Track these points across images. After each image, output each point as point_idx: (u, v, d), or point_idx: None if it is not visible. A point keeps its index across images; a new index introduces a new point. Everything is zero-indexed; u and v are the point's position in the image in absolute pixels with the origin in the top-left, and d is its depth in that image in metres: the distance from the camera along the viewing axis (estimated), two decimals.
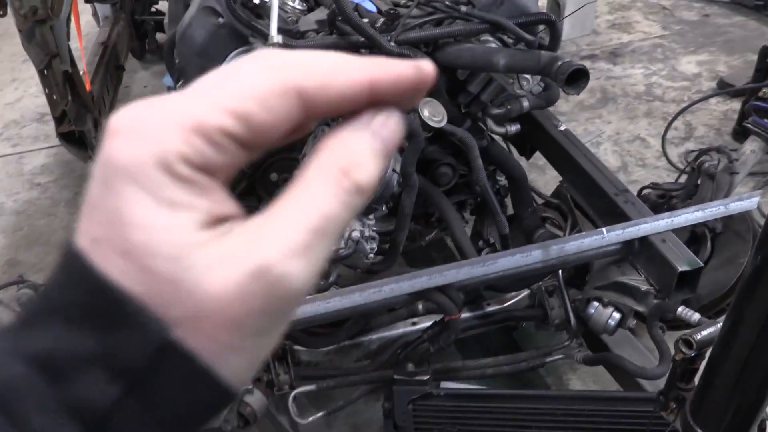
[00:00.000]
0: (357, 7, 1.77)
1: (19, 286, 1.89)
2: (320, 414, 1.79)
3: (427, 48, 1.82)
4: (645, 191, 2.30)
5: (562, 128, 2.06)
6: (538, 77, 1.86)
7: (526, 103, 1.86)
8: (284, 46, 1.64)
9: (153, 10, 4.28)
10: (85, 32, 3.91)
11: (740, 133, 3.17)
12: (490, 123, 1.93)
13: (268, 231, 0.31)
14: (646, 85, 3.91)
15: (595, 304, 1.76)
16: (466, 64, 1.80)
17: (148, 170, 0.30)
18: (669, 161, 3.20)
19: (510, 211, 2.11)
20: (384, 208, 1.79)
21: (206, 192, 0.32)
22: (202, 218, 0.31)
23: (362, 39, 1.66)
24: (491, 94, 1.86)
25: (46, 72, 2.54)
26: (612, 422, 1.57)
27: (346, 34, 1.69)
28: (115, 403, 0.30)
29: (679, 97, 3.76)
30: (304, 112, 0.33)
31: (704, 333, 1.07)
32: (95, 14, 4.10)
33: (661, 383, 1.23)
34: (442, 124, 1.77)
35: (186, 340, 0.30)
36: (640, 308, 1.69)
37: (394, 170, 1.64)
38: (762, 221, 0.77)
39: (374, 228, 1.75)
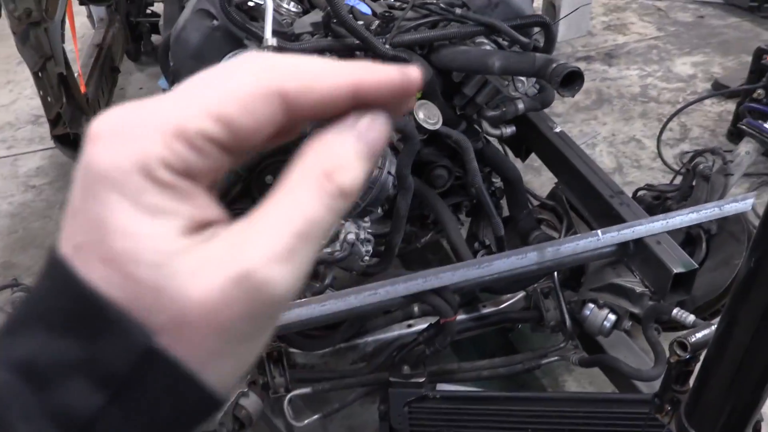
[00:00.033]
0: (352, 10, 1.77)
1: (14, 290, 1.89)
2: (316, 417, 1.78)
3: (422, 50, 1.83)
4: (640, 192, 2.31)
5: (557, 130, 2.06)
6: (533, 79, 1.87)
7: (521, 105, 1.86)
8: (279, 48, 1.64)
9: (148, 11, 4.27)
10: (80, 34, 3.91)
11: (735, 135, 3.18)
12: (486, 125, 1.93)
13: (252, 236, 0.31)
14: (641, 86, 3.92)
15: (591, 305, 1.76)
16: (461, 67, 1.81)
17: (128, 176, 0.30)
18: (664, 162, 3.21)
19: (505, 212, 2.12)
20: (379, 210, 1.79)
21: (188, 197, 0.31)
22: (185, 224, 0.31)
23: (357, 41, 1.66)
24: (486, 97, 1.86)
25: (40, 74, 2.53)
26: (607, 424, 1.58)
27: (341, 36, 1.69)
28: (98, 411, 0.30)
29: (674, 98, 3.77)
30: (287, 115, 0.33)
31: (699, 335, 1.07)
32: (90, 16, 4.09)
33: (657, 385, 1.23)
34: (437, 127, 1.77)
35: (170, 346, 0.30)
36: (636, 310, 1.70)
37: (389, 172, 1.64)
38: (757, 222, 0.77)
39: (370, 230, 1.75)
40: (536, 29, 1.87)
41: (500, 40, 1.84)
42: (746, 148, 2.80)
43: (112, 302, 0.30)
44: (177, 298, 0.30)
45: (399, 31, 1.72)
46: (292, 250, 0.31)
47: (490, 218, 1.87)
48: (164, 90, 2.08)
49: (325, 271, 1.75)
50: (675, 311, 1.56)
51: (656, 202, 2.22)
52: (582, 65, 4.05)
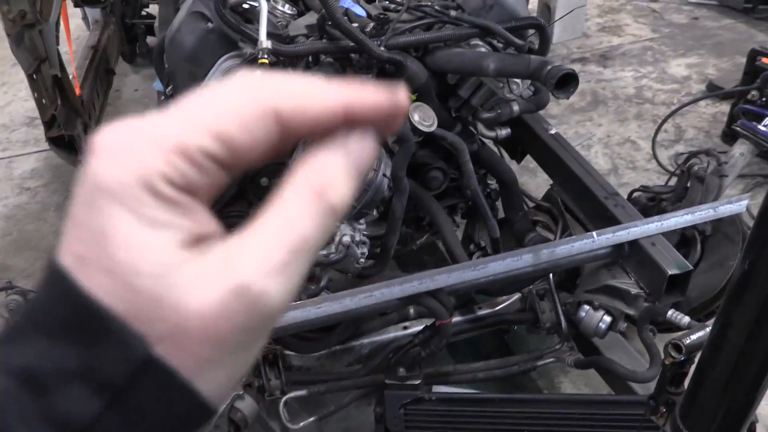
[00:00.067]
0: (346, 12, 1.77)
1: (8, 292, 1.88)
2: (311, 419, 1.78)
3: (417, 52, 1.83)
4: (635, 194, 2.31)
5: (553, 132, 2.06)
6: (528, 81, 1.87)
7: (516, 107, 1.86)
8: (274, 51, 1.64)
9: (143, 13, 4.27)
10: (75, 36, 3.90)
11: (729, 136, 3.19)
12: (481, 127, 1.93)
13: (248, 250, 0.32)
14: (636, 87, 3.93)
15: (586, 307, 1.76)
16: (456, 69, 1.81)
17: (131, 190, 0.31)
18: (659, 164, 3.21)
19: (501, 214, 2.12)
20: (375, 212, 1.79)
21: (188, 212, 0.32)
22: (184, 237, 0.32)
23: (352, 44, 1.66)
24: (481, 99, 1.86)
25: (35, 76, 2.53)
26: (603, 426, 1.58)
27: (335, 39, 1.69)
28: (96, 417, 0.30)
29: (668, 99, 3.78)
30: (281, 133, 0.34)
31: (693, 337, 1.07)
32: (85, 18, 4.08)
33: (652, 386, 1.23)
34: (432, 129, 1.77)
35: (167, 356, 0.31)
36: (631, 311, 1.70)
37: (384, 174, 1.64)
38: (751, 224, 0.77)
39: (365, 232, 1.75)
40: (531, 31, 1.87)
41: (495, 42, 1.84)
42: (740, 149, 2.81)
43: (112, 312, 0.31)
44: (176, 309, 0.31)
45: (394, 34, 1.72)
46: (287, 264, 0.32)
47: (486, 220, 1.88)
48: (159, 92, 2.08)
49: (321, 274, 1.75)
50: (670, 313, 1.56)
51: (651, 203, 2.23)
52: (577, 67, 4.06)
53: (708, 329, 0.91)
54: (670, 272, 1.56)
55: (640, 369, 1.66)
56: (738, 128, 2.82)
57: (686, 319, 1.54)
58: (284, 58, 1.71)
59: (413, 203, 1.90)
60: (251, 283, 0.31)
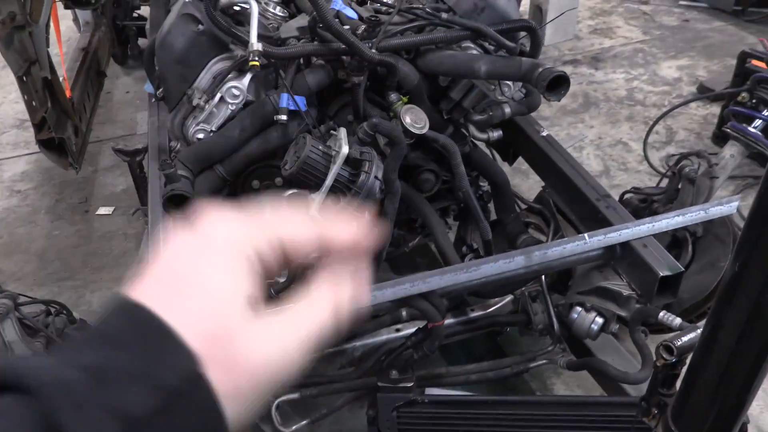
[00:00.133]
0: (338, 14, 1.77)
1: None
2: (304, 422, 1.77)
3: (409, 55, 1.83)
4: (627, 195, 2.32)
5: (544, 134, 2.06)
6: (520, 83, 1.87)
7: (507, 110, 1.86)
8: (264, 53, 1.63)
9: (135, 15, 4.25)
10: (65, 38, 3.87)
11: (720, 137, 3.20)
12: (473, 129, 1.93)
13: (290, 328, 0.45)
14: (627, 89, 3.94)
15: (578, 309, 1.76)
16: (448, 71, 1.81)
17: (243, 247, 0.45)
18: (650, 165, 3.23)
19: (493, 216, 2.12)
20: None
21: (259, 280, 0.46)
22: (251, 297, 0.44)
23: (343, 46, 1.66)
24: (473, 101, 1.86)
25: (25, 78, 2.51)
26: (595, 427, 1.58)
27: (327, 41, 1.69)
28: (149, 413, 0.38)
29: (660, 101, 3.80)
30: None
31: (685, 339, 1.07)
32: (76, 20, 4.06)
33: (644, 387, 1.23)
34: (424, 131, 1.77)
35: (214, 380, 0.40)
36: (623, 313, 1.70)
37: (376, 177, 1.64)
38: (742, 225, 0.77)
39: None
40: (523, 33, 1.88)
41: (487, 44, 1.84)
42: (731, 151, 2.83)
43: (175, 330, 0.40)
44: (240, 348, 0.42)
45: (385, 36, 1.72)
46: (309, 341, 0.46)
47: (478, 222, 1.87)
48: (150, 95, 2.06)
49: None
50: (661, 314, 1.56)
51: (643, 205, 2.23)
52: (568, 69, 4.08)
53: (699, 330, 0.91)
54: (661, 274, 1.57)
55: (632, 370, 1.67)
56: (728, 130, 2.84)
57: (678, 321, 1.54)
58: (275, 61, 1.70)
59: (405, 205, 1.90)
60: (289, 352, 0.44)
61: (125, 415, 0.37)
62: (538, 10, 4.32)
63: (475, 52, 1.83)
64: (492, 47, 1.84)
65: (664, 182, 2.35)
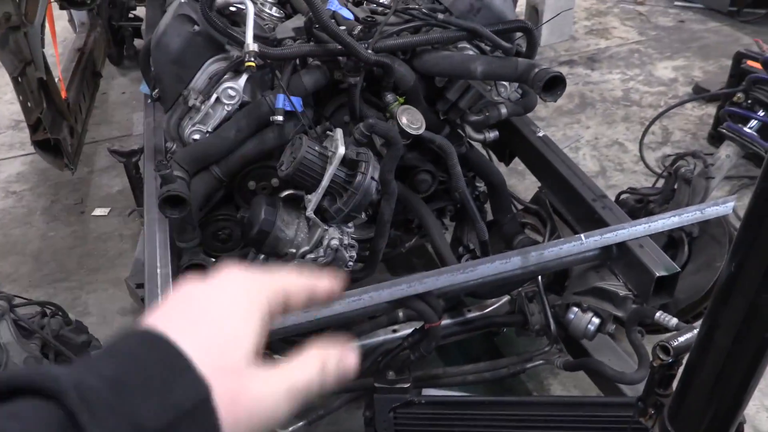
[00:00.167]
0: (334, 15, 1.77)
1: None
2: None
3: (405, 55, 1.82)
4: (623, 196, 2.32)
5: (541, 134, 2.07)
6: (516, 84, 1.87)
7: (504, 110, 1.86)
8: (260, 54, 1.63)
9: (131, 15, 4.24)
10: (61, 38, 3.87)
11: (716, 138, 3.21)
12: (469, 130, 1.93)
13: (283, 379, 0.50)
14: (623, 90, 3.95)
15: (575, 309, 1.76)
16: (444, 72, 1.81)
17: (258, 298, 0.52)
18: (647, 166, 3.23)
19: (489, 217, 2.12)
20: (363, 215, 1.79)
21: (265, 331, 0.51)
22: (257, 346, 0.50)
23: (339, 47, 1.65)
24: (469, 101, 1.86)
25: (20, 79, 2.50)
26: (592, 428, 1.58)
27: (323, 41, 1.68)
28: (162, 427, 0.41)
29: (655, 102, 3.81)
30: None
31: (681, 339, 1.07)
32: (71, 20, 4.05)
33: (641, 387, 1.23)
34: (420, 131, 1.77)
35: (220, 407, 0.44)
36: (619, 313, 1.70)
37: (372, 178, 1.63)
38: (738, 225, 0.77)
39: (354, 236, 1.75)
40: (519, 34, 1.88)
41: (483, 45, 1.84)
42: (727, 151, 2.83)
43: (191, 360, 0.44)
44: (249, 387, 0.47)
45: (381, 36, 1.72)
46: (301, 393, 0.51)
47: (474, 223, 1.87)
48: (146, 95, 2.06)
49: None
50: (658, 314, 1.57)
51: (639, 205, 2.24)
52: (565, 69, 4.08)
53: (696, 331, 0.91)
54: (657, 274, 1.57)
55: (629, 371, 1.67)
56: (724, 130, 2.85)
57: (674, 321, 1.54)
58: (271, 61, 1.70)
59: (402, 206, 1.90)
60: (281, 399, 0.49)
61: (139, 426, 0.40)
62: (534, 11, 4.33)
63: (471, 52, 1.83)
64: (488, 48, 1.84)
65: (660, 183, 2.35)
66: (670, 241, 2.00)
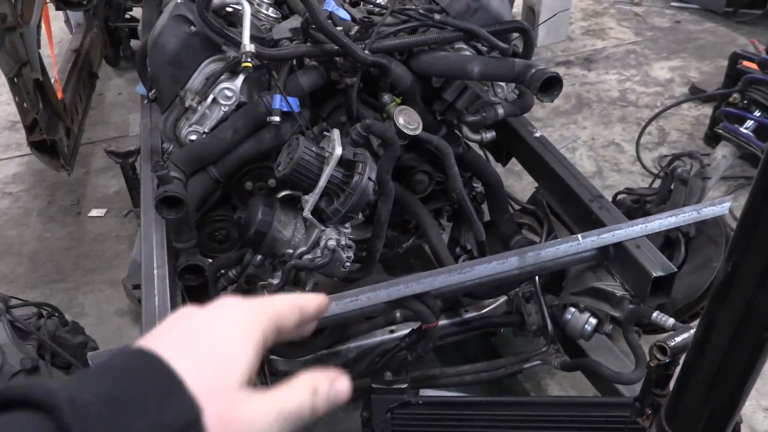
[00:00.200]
0: (331, 15, 1.77)
1: None
2: None
3: (402, 56, 1.82)
4: (620, 196, 2.32)
5: (538, 134, 2.07)
6: (513, 84, 1.87)
7: (501, 111, 1.86)
8: (257, 54, 1.63)
9: (127, 16, 4.24)
10: (57, 39, 3.86)
11: (712, 138, 3.22)
12: (466, 130, 1.94)
13: (273, 405, 0.50)
14: (620, 90, 3.96)
15: (572, 309, 1.76)
16: (441, 72, 1.81)
17: (255, 325, 0.52)
18: (643, 166, 3.24)
19: (487, 217, 2.12)
20: (360, 216, 1.79)
21: (260, 358, 0.51)
22: (250, 371, 0.50)
23: (336, 47, 1.65)
24: (466, 102, 1.86)
25: (16, 80, 2.50)
26: (589, 428, 1.58)
27: (319, 42, 1.68)
28: None
29: (652, 102, 3.82)
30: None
31: (678, 339, 1.07)
32: (68, 21, 4.05)
33: (638, 387, 1.23)
34: (417, 132, 1.77)
35: (210, 429, 0.44)
36: (616, 313, 1.71)
37: (369, 178, 1.63)
38: (734, 225, 0.77)
39: (351, 236, 1.75)
40: (515, 35, 1.88)
41: (479, 45, 1.84)
42: (723, 151, 2.84)
43: (185, 382, 0.44)
44: (238, 415, 0.47)
45: (378, 37, 1.72)
46: (290, 418, 0.50)
47: (471, 223, 1.88)
48: (142, 96, 2.06)
49: (306, 278, 1.74)
50: (655, 314, 1.57)
51: (636, 205, 2.24)
52: (561, 70, 4.09)
53: (692, 331, 0.91)
54: (654, 274, 1.57)
55: (626, 371, 1.67)
56: (720, 131, 2.85)
57: (671, 321, 1.55)
58: (268, 62, 1.70)
59: (399, 206, 1.90)
60: (271, 425, 0.49)
61: None
62: (530, 12, 4.33)
63: (468, 53, 1.83)
64: (485, 48, 1.84)
65: (657, 183, 2.36)
66: (667, 242, 2.01)
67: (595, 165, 3.35)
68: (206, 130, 1.72)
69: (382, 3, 1.94)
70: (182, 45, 1.69)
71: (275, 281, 1.68)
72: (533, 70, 1.63)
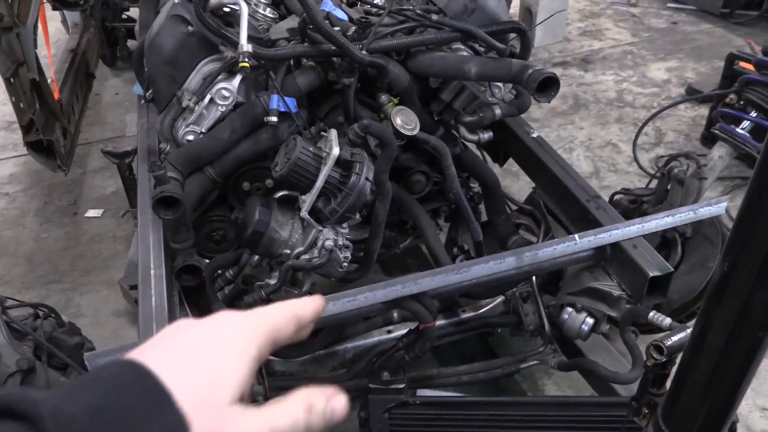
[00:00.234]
0: (328, 16, 1.77)
1: None
2: None
3: (399, 56, 1.83)
4: (617, 197, 2.33)
5: (535, 135, 2.07)
6: (510, 85, 1.88)
7: (498, 111, 1.87)
8: (254, 54, 1.63)
9: (124, 16, 4.23)
10: (54, 39, 3.86)
11: (708, 139, 3.23)
12: (463, 130, 1.94)
13: (267, 420, 0.49)
14: (617, 91, 3.96)
15: (569, 309, 1.77)
16: (438, 72, 1.81)
17: (252, 339, 0.51)
18: (640, 166, 3.24)
19: (484, 217, 2.12)
20: (358, 216, 1.79)
21: (255, 372, 0.51)
22: (244, 386, 0.49)
23: (333, 48, 1.65)
24: (463, 102, 1.87)
25: (12, 80, 2.49)
26: (586, 427, 1.58)
27: (317, 42, 1.68)
28: None
29: (649, 103, 3.82)
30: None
31: (675, 338, 1.08)
32: (64, 21, 4.04)
33: (635, 387, 1.24)
34: (414, 132, 1.77)
35: None
36: (613, 313, 1.71)
37: (367, 178, 1.63)
38: (730, 225, 0.78)
39: (348, 236, 1.75)
40: (513, 35, 1.88)
41: (477, 46, 1.85)
42: (719, 152, 2.85)
43: (175, 396, 0.43)
44: (232, 430, 0.46)
45: (376, 37, 1.72)
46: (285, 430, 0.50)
47: (469, 223, 1.88)
48: (139, 96, 2.05)
49: (304, 278, 1.74)
50: (651, 314, 1.57)
51: (632, 205, 2.24)
52: (558, 71, 4.09)
53: (689, 330, 0.91)
54: (651, 274, 1.58)
55: (623, 370, 1.67)
56: (717, 131, 2.86)
57: (668, 321, 1.55)
58: (265, 62, 1.70)
59: (396, 207, 1.90)
60: None
61: None
62: (527, 12, 4.34)
63: (465, 53, 1.83)
64: (482, 49, 1.84)
65: (654, 183, 2.36)
66: (664, 242, 2.01)
67: (592, 165, 3.36)
68: (203, 131, 1.72)
69: (380, 3, 1.94)
70: (179, 45, 1.69)
71: (272, 281, 1.68)
72: (530, 71, 1.63)
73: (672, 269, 1.60)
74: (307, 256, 1.68)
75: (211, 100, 1.69)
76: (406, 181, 1.93)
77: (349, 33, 1.72)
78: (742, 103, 2.82)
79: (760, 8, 4.51)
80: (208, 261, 1.77)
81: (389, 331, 1.87)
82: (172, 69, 1.71)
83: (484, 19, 1.82)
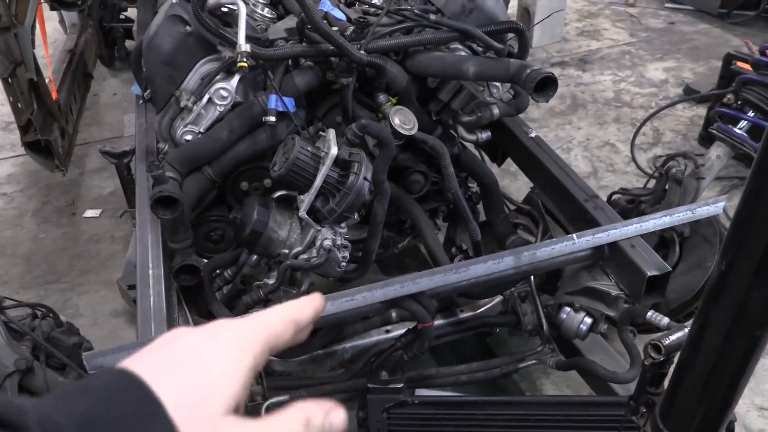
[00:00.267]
0: (326, 16, 1.77)
1: None
2: None
3: (397, 56, 1.83)
4: (615, 196, 2.33)
5: (533, 135, 2.07)
6: (508, 85, 1.88)
7: (496, 111, 1.87)
8: (253, 54, 1.63)
9: (122, 16, 4.23)
10: (52, 39, 3.85)
11: (706, 139, 3.23)
12: (461, 130, 1.94)
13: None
14: (614, 91, 3.97)
15: (567, 309, 1.77)
16: (436, 72, 1.81)
17: (250, 348, 0.50)
18: (638, 166, 3.25)
19: (482, 217, 2.12)
20: (356, 216, 1.79)
21: (251, 382, 0.50)
22: (238, 397, 0.47)
23: (332, 47, 1.65)
24: (462, 102, 1.87)
25: (10, 80, 2.49)
26: (584, 427, 1.58)
27: (315, 42, 1.68)
28: None
29: (646, 103, 3.83)
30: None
31: (672, 338, 1.08)
32: (62, 21, 4.03)
33: (633, 386, 1.24)
34: (413, 132, 1.77)
35: None
36: (611, 313, 1.71)
37: (365, 178, 1.64)
38: (728, 225, 0.78)
39: (346, 236, 1.75)
40: (511, 35, 1.88)
41: (475, 45, 1.85)
42: (717, 152, 2.85)
43: (166, 407, 0.42)
44: None
45: (374, 37, 1.72)
46: None
47: (467, 223, 1.88)
48: (137, 96, 2.05)
49: (302, 278, 1.74)
50: (649, 314, 1.57)
51: (630, 205, 2.25)
52: (556, 71, 4.10)
53: (687, 330, 0.92)
54: (649, 274, 1.58)
55: (621, 370, 1.68)
56: (714, 131, 2.87)
57: (665, 320, 1.55)
58: (263, 62, 1.70)
59: (395, 207, 1.90)
60: None
61: None
62: (525, 12, 4.34)
63: (463, 53, 1.83)
64: (480, 49, 1.84)
65: (652, 183, 2.37)
66: (662, 241, 2.02)
67: (590, 165, 3.36)
68: (202, 130, 1.72)
69: (378, 3, 1.94)
70: (177, 45, 1.69)
71: (271, 281, 1.68)
72: (528, 71, 1.64)
73: (670, 269, 1.61)
74: (305, 256, 1.68)
75: (210, 99, 1.69)
76: (404, 181, 1.93)
77: (347, 33, 1.72)
78: (739, 103, 2.83)
79: (757, 8, 4.52)
80: (206, 261, 1.77)
81: (387, 331, 1.87)
82: (170, 69, 1.71)
83: (482, 19, 1.83)
